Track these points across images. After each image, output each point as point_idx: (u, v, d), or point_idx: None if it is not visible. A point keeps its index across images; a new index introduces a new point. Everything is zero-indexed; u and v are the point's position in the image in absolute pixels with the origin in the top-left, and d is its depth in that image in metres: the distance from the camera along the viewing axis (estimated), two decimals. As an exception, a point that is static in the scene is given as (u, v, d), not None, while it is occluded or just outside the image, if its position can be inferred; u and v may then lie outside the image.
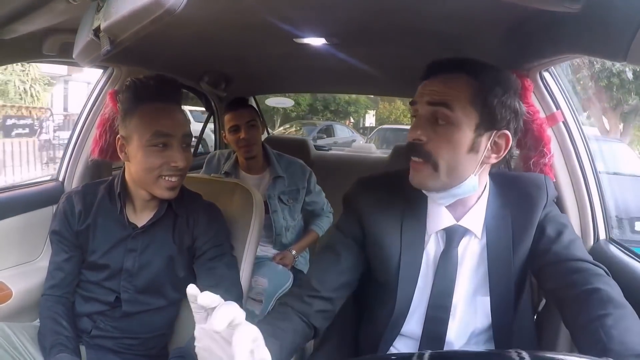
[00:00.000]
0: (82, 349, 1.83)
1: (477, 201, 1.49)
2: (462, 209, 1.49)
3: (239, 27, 2.09)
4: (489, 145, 1.40)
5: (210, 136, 5.11)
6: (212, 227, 1.88)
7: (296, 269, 3.09)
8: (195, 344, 1.17)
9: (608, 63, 12.59)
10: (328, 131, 18.27)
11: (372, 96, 23.13)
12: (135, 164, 1.76)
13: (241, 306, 1.74)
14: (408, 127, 1.77)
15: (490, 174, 1.51)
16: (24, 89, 16.28)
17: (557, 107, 1.87)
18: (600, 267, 1.35)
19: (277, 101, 7.42)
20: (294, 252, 3.08)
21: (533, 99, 1.85)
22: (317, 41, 2.33)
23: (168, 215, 1.87)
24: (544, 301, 1.80)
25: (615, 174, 7.86)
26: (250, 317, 1.74)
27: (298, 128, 19.31)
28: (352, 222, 1.58)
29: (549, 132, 1.84)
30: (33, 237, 2.25)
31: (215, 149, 4.46)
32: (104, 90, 2.51)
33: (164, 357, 1.89)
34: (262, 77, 3.91)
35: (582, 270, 1.32)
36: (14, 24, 1.45)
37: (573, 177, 1.84)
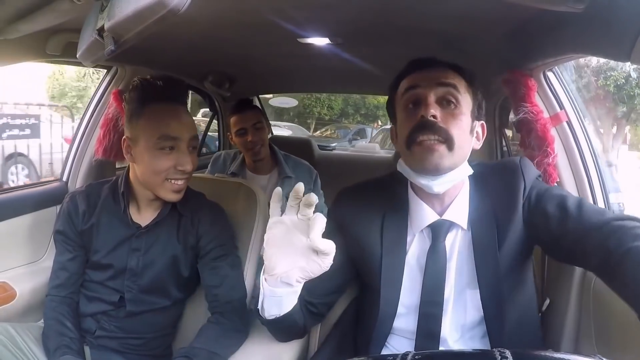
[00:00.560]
0: (87, 349, 1.83)
1: (459, 193, 1.51)
2: (446, 201, 1.50)
3: (243, 27, 2.09)
4: (475, 131, 1.49)
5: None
6: (216, 226, 1.87)
7: None
8: (267, 233, 1.34)
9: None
10: (361, 133, 19.00)
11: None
12: (142, 165, 1.76)
13: (245, 306, 1.75)
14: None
15: (470, 166, 1.52)
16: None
17: (561, 107, 1.86)
18: (625, 219, 1.30)
19: (281, 101, 7.41)
20: None
21: (537, 98, 1.85)
22: (320, 41, 2.33)
23: (172, 215, 1.86)
24: (548, 300, 1.79)
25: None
26: (254, 317, 1.75)
27: (333, 131, 19.95)
28: (335, 231, 1.59)
29: (553, 132, 1.83)
30: (37, 237, 2.25)
31: (219, 149, 4.46)
32: (108, 90, 2.51)
33: (168, 357, 1.90)
34: (265, 77, 3.92)
35: (610, 233, 1.25)
36: (18, 24, 1.45)
37: (577, 177, 1.84)
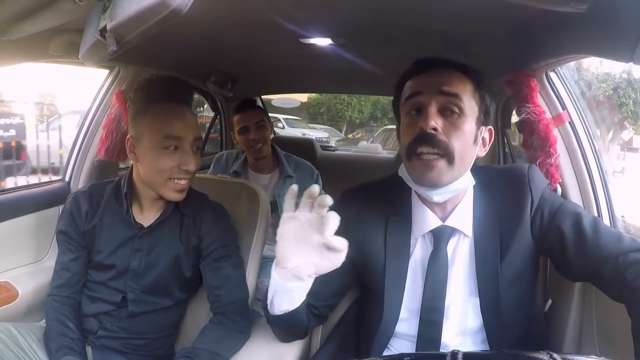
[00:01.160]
0: (89, 349, 1.83)
1: (462, 199, 1.50)
2: (448, 208, 1.50)
3: (245, 28, 2.09)
4: (480, 138, 1.46)
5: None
6: (218, 227, 1.88)
7: None
8: (279, 227, 1.34)
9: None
10: (390, 135, 19.82)
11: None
12: (145, 165, 1.76)
13: (247, 307, 1.76)
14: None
15: (474, 169, 1.51)
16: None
17: (564, 107, 1.86)
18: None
19: (283, 101, 7.40)
20: None
21: (539, 99, 1.84)
22: (323, 41, 2.33)
23: (174, 215, 1.87)
24: (550, 301, 1.79)
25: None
26: (257, 317, 1.75)
27: (364, 134, 20.87)
28: (337, 233, 1.59)
29: (555, 132, 1.83)
30: (39, 237, 2.25)
31: (221, 149, 4.47)
32: (110, 90, 2.51)
33: (170, 358, 1.90)
34: (268, 77, 3.92)
35: (627, 266, 1.28)
36: (21, 24, 1.45)
37: (579, 178, 1.83)
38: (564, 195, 1.82)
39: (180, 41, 2.20)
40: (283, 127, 18.00)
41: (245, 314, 1.80)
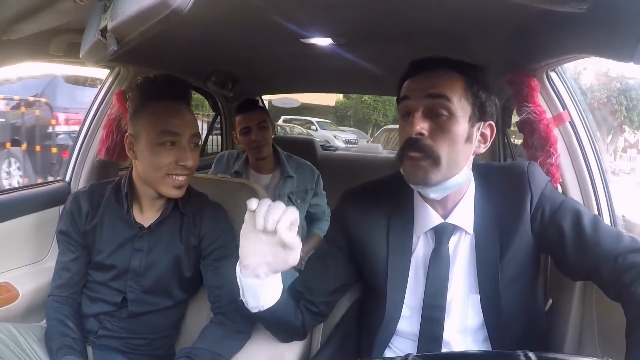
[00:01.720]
0: (89, 349, 1.83)
1: (463, 196, 1.50)
2: (449, 205, 1.50)
3: (246, 27, 2.09)
4: (478, 135, 1.45)
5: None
6: (218, 227, 1.88)
7: (302, 269, 3.09)
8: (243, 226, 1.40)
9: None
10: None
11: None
12: (143, 162, 1.76)
13: (246, 307, 1.75)
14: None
15: (475, 166, 1.52)
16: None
17: (564, 107, 1.86)
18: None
19: (284, 101, 7.39)
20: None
21: (539, 99, 1.85)
22: (323, 41, 2.34)
23: (174, 215, 1.87)
24: (550, 301, 1.79)
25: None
26: (256, 317, 1.75)
27: None
28: (338, 233, 1.62)
29: (556, 132, 1.83)
30: (40, 237, 2.25)
31: (222, 149, 4.48)
32: (110, 90, 2.52)
33: (171, 358, 1.90)
34: (268, 77, 3.92)
35: (625, 269, 1.27)
36: (21, 24, 1.46)
37: (580, 178, 1.83)
38: (565, 194, 1.82)
39: (180, 41, 2.20)
40: (316, 130, 18.59)
41: (245, 314, 1.80)
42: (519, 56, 1.90)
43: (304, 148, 4.43)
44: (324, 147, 5.26)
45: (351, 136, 19.93)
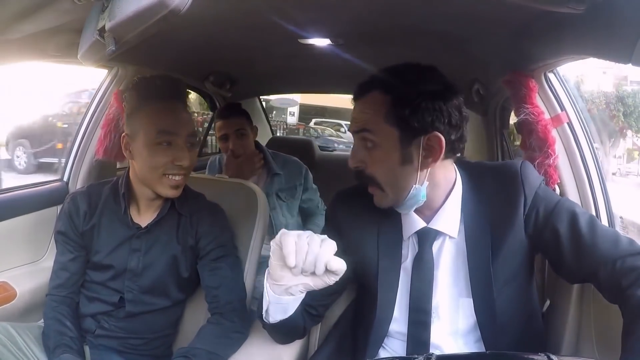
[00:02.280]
0: (86, 349, 1.83)
1: (445, 201, 1.48)
2: (433, 209, 1.49)
3: (244, 28, 2.09)
4: (421, 152, 1.38)
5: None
6: (215, 227, 1.88)
7: None
8: (273, 242, 1.29)
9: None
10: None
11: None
12: (140, 162, 1.76)
13: (245, 307, 1.76)
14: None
15: (466, 166, 1.51)
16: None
17: (562, 108, 1.86)
18: (638, 254, 1.30)
19: (282, 101, 7.43)
20: None
21: (538, 100, 1.85)
22: (322, 42, 2.34)
23: (172, 215, 1.87)
24: (548, 302, 1.79)
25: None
26: (255, 317, 1.75)
27: None
28: (332, 234, 1.58)
29: (554, 133, 1.83)
30: (38, 237, 2.25)
31: (218, 151, 4.48)
32: (108, 91, 2.51)
33: (168, 358, 1.89)
34: (267, 78, 3.92)
35: (624, 273, 1.26)
36: (20, 24, 1.45)
37: (578, 179, 1.83)
38: (562, 195, 1.82)
39: (179, 41, 2.20)
40: (345, 132, 18.77)
41: (243, 314, 1.80)
42: (517, 57, 1.90)
43: (302, 149, 4.43)
44: (322, 148, 5.26)
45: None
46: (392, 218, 1.55)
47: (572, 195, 1.83)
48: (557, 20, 1.48)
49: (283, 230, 1.26)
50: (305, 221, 3.31)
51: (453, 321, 1.48)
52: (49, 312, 1.81)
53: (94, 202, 1.89)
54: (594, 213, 1.80)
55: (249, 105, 4.17)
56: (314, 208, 3.30)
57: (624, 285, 1.23)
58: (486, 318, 1.45)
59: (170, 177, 1.75)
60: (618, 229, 1.80)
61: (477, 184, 1.51)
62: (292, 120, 28.65)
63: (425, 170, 1.41)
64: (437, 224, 1.48)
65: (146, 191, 1.81)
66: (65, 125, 11.27)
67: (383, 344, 1.56)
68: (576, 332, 1.69)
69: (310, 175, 3.30)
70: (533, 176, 1.51)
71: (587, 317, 1.65)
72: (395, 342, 1.56)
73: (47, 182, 2.54)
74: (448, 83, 1.41)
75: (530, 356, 0.95)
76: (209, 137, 5.15)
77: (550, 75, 1.88)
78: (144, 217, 1.87)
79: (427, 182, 1.42)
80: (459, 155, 1.49)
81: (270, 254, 1.30)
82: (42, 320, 1.85)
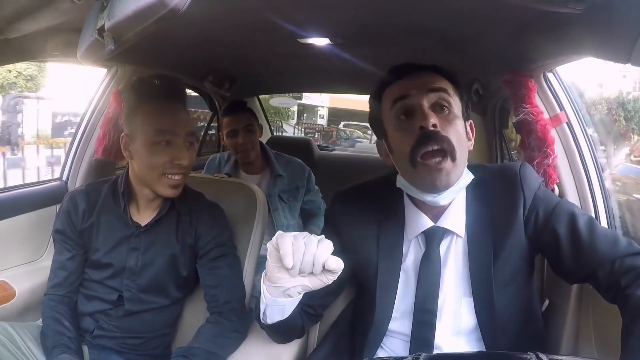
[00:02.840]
0: (85, 348, 1.83)
1: (454, 199, 1.48)
2: (440, 209, 1.48)
3: (243, 27, 2.09)
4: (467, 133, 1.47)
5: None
6: (215, 226, 1.88)
7: None
8: (270, 244, 1.26)
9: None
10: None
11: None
12: (139, 161, 1.76)
13: (244, 307, 1.76)
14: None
15: (468, 168, 1.50)
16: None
17: (561, 108, 1.86)
18: (637, 253, 1.31)
19: (281, 101, 7.43)
20: None
21: (537, 99, 1.85)
22: (321, 41, 2.34)
23: (171, 214, 1.87)
24: (547, 301, 1.79)
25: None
26: (252, 317, 1.75)
27: None
28: (331, 234, 1.58)
29: (553, 133, 1.83)
30: (36, 236, 2.25)
31: (218, 149, 4.48)
32: (108, 90, 2.51)
33: (167, 357, 1.89)
34: (266, 77, 3.92)
35: (623, 273, 1.27)
36: (18, 23, 1.45)
37: (577, 178, 1.84)
38: (562, 195, 1.82)
39: (178, 41, 2.20)
40: (372, 134, 18.58)
41: (241, 313, 1.80)
42: (516, 57, 1.90)
43: (301, 149, 4.43)
44: (321, 147, 5.26)
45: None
46: (393, 219, 1.55)
47: (571, 194, 1.83)
48: (556, 20, 1.48)
49: (279, 232, 1.24)
50: (306, 222, 3.32)
51: (456, 321, 1.48)
52: (48, 311, 1.81)
53: (92, 201, 1.89)
54: (593, 213, 1.80)
55: (248, 105, 4.18)
56: (316, 209, 3.31)
57: (623, 285, 1.24)
58: (486, 318, 1.45)
59: (169, 176, 1.75)
60: (617, 229, 1.81)
61: (478, 186, 1.50)
62: (321, 122, 29.50)
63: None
64: (445, 222, 1.48)
65: (145, 191, 1.81)
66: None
67: (381, 344, 1.56)
68: (575, 332, 1.69)
69: (313, 177, 3.31)
70: (532, 178, 1.51)
71: (586, 317, 1.65)
72: (394, 342, 1.56)
73: (46, 181, 2.54)
74: None
75: (519, 355, 0.95)
76: (207, 138, 5.13)
77: (550, 75, 1.88)
78: (143, 216, 1.87)
79: None
80: None
81: (267, 256, 1.28)
82: (41, 320, 1.85)
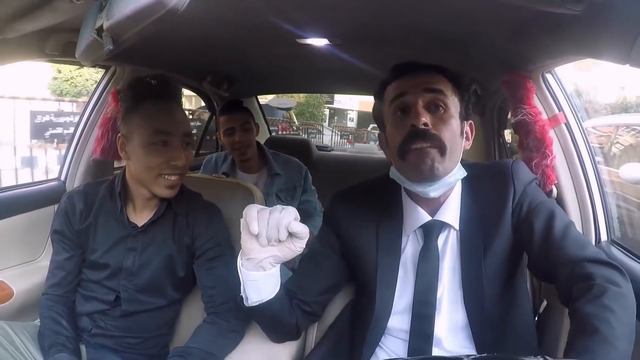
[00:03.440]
0: (82, 348, 1.84)
1: (450, 194, 1.52)
2: (437, 203, 1.52)
3: (242, 28, 2.09)
4: (464, 132, 1.51)
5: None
6: (212, 226, 1.88)
7: (296, 269, 3.09)
8: (242, 218, 1.40)
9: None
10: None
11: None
12: (136, 162, 1.76)
13: (244, 304, 1.76)
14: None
15: (463, 166, 1.52)
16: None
17: (560, 108, 1.86)
18: (599, 262, 1.29)
19: (280, 102, 7.41)
20: None
21: (535, 100, 1.85)
22: (319, 42, 2.34)
23: (168, 214, 1.87)
24: (545, 302, 1.80)
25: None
26: (250, 317, 1.75)
27: None
28: (330, 233, 1.65)
29: (551, 133, 1.83)
30: (34, 236, 2.25)
31: (217, 149, 4.48)
32: (106, 90, 2.51)
33: (165, 357, 1.89)
34: (264, 78, 3.92)
35: (578, 279, 1.26)
36: (17, 23, 1.45)
37: (575, 179, 1.84)
38: (560, 196, 1.83)
39: (176, 41, 2.20)
40: None
41: (239, 313, 1.79)
42: (515, 58, 1.90)
43: (300, 149, 4.43)
44: (319, 148, 5.26)
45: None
46: (391, 215, 1.58)
47: (569, 194, 1.83)
48: (555, 21, 1.48)
49: (249, 205, 1.37)
50: (301, 222, 3.31)
51: (453, 313, 1.50)
52: (45, 311, 1.81)
53: (90, 201, 1.88)
54: (591, 213, 1.81)
55: (247, 105, 4.18)
56: (312, 210, 3.31)
57: (575, 296, 1.23)
58: (475, 312, 1.47)
59: (166, 177, 1.75)
60: (616, 229, 1.81)
61: (472, 182, 1.54)
62: (351, 124, 31.84)
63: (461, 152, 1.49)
64: (443, 215, 1.51)
65: (142, 191, 1.81)
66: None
67: (380, 344, 1.57)
68: (573, 333, 1.69)
69: (310, 177, 3.32)
70: (524, 173, 1.55)
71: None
72: (393, 340, 1.57)
73: (44, 182, 2.54)
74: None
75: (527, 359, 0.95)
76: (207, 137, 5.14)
77: (548, 76, 1.88)
78: (140, 217, 1.86)
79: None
80: None
81: (241, 229, 1.39)
82: (39, 320, 1.85)
